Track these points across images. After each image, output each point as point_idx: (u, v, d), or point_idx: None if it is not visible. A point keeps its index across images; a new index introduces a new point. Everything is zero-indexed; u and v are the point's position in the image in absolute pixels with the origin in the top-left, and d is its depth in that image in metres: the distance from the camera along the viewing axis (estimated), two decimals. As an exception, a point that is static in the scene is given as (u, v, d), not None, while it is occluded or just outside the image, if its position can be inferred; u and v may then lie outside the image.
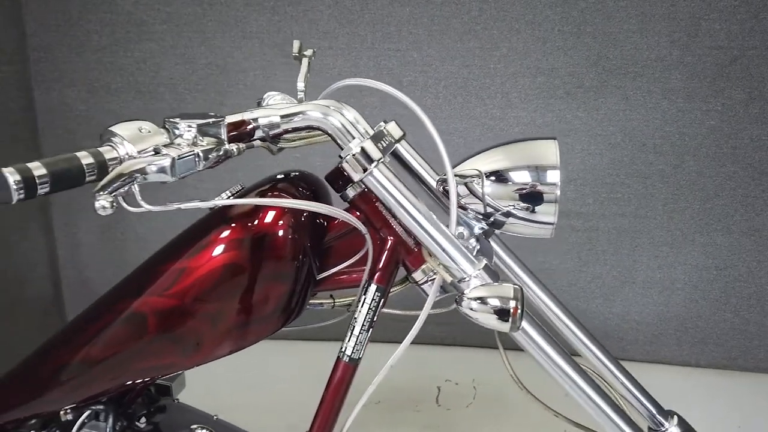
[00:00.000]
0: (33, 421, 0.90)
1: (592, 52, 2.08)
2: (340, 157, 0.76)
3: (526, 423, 2.00)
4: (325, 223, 0.87)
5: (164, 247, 0.88)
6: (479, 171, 0.81)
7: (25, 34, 2.28)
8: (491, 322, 0.70)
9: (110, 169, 0.64)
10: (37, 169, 0.58)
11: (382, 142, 0.76)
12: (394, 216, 0.79)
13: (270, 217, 0.78)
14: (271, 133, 0.80)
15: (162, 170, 0.66)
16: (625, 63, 2.07)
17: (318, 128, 0.78)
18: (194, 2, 2.19)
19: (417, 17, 2.13)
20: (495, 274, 0.75)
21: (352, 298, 0.91)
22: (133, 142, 0.66)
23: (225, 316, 0.78)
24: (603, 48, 2.07)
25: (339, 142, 0.77)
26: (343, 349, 0.85)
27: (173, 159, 0.66)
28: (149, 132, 0.67)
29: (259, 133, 0.79)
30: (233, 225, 0.78)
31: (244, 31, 2.21)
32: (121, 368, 0.81)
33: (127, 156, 0.65)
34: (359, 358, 0.86)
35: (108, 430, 0.85)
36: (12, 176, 0.57)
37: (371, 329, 0.85)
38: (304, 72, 0.99)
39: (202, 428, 0.89)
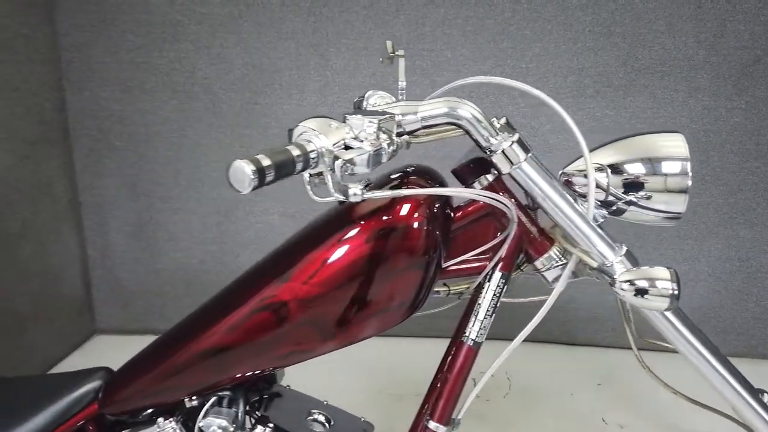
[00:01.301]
0: (151, 410, 0.93)
1: (621, 52, 2.15)
2: (489, 151, 0.79)
3: (562, 412, 2.07)
4: (452, 214, 0.90)
5: (297, 237, 0.91)
6: (601, 164, 0.86)
7: (57, 33, 2.29)
8: (651, 303, 0.74)
9: (312, 160, 0.67)
10: (264, 160, 0.62)
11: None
12: (537, 205, 0.82)
13: (406, 209, 0.82)
14: (411, 128, 0.83)
15: (366, 162, 0.69)
16: (653, 63, 2.15)
17: (456, 124, 0.82)
18: (230, 3, 2.22)
19: (451, 18, 2.18)
20: (635, 258, 0.81)
21: (465, 286, 0.95)
22: (326, 136, 0.69)
23: (365, 304, 0.81)
24: (632, 48, 2.14)
25: (476, 137, 0.81)
26: (466, 333, 0.89)
27: (371, 152, 0.69)
28: (336, 127, 0.71)
29: (405, 128, 0.82)
30: (373, 217, 0.81)
31: (280, 31, 2.24)
32: (258, 355, 0.84)
33: (324, 149, 0.68)
34: (482, 342, 0.90)
35: (233, 416, 0.89)
36: (248, 166, 0.61)
37: (494, 315, 0.90)
38: (402, 71, 1.03)
39: (320, 413, 0.93)
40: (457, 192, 0.84)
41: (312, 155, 0.67)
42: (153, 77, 2.31)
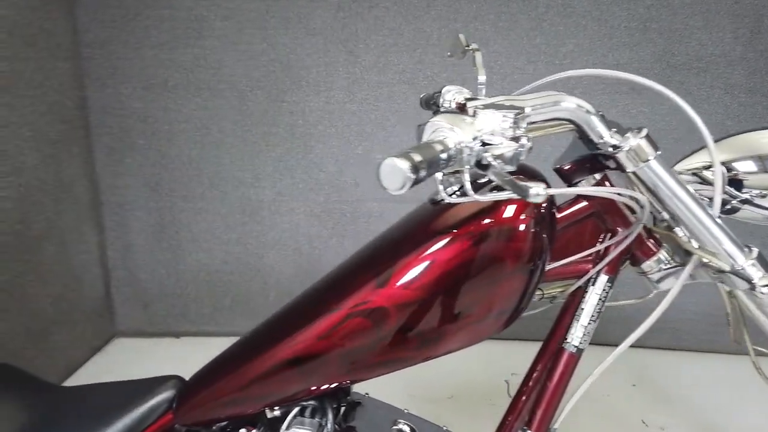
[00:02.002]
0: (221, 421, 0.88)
1: (657, 48, 2.12)
2: (614, 147, 0.74)
3: (600, 414, 2.04)
4: (556, 215, 0.85)
5: (388, 239, 0.85)
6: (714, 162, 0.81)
7: (78, 29, 2.23)
8: None
9: (453, 157, 0.62)
10: (415, 156, 0.58)
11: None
12: (664, 206, 0.77)
13: (512, 210, 0.77)
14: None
15: (513, 158, 0.64)
16: (689, 59, 2.12)
17: (569, 120, 0.77)
18: (257, -2, 2.17)
19: (484, 13, 2.14)
20: (766, 261, 0.77)
21: (559, 290, 0.91)
22: (462, 131, 0.64)
23: (468, 311, 0.77)
24: (668, 44, 2.11)
25: (590, 134, 0.77)
26: (568, 339, 0.85)
27: (519, 147, 0.64)
28: (470, 122, 0.66)
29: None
30: (478, 219, 0.76)
31: (308, 27, 2.19)
32: (349, 364, 0.79)
33: (463, 145, 0.63)
34: (584, 349, 0.86)
35: (317, 426, 0.84)
36: (404, 163, 0.56)
37: (598, 320, 0.86)
38: (480, 65, 0.98)
39: (405, 423, 0.89)
40: (597, 192, 0.78)
41: (452, 152, 0.62)
42: (177, 74, 2.26)
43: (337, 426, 0.87)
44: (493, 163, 0.63)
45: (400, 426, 0.89)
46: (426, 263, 0.76)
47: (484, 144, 0.64)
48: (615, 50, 2.13)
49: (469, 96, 1.02)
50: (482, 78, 0.97)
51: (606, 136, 0.75)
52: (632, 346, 0.84)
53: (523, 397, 0.90)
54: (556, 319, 0.90)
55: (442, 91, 1.00)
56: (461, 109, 0.96)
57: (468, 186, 0.66)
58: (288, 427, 0.84)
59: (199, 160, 2.35)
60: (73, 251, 2.24)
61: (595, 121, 0.75)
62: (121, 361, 2.40)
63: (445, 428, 0.93)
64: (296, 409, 0.86)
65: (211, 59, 2.24)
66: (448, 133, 0.63)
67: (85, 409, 0.90)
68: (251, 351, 0.86)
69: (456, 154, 0.62)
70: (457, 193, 0.71)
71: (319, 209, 2.38)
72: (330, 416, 0.86)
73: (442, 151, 0.61)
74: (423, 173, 0.58)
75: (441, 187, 0.67)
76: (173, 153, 2.35)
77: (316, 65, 2.23)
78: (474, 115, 0.66)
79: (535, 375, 0.89)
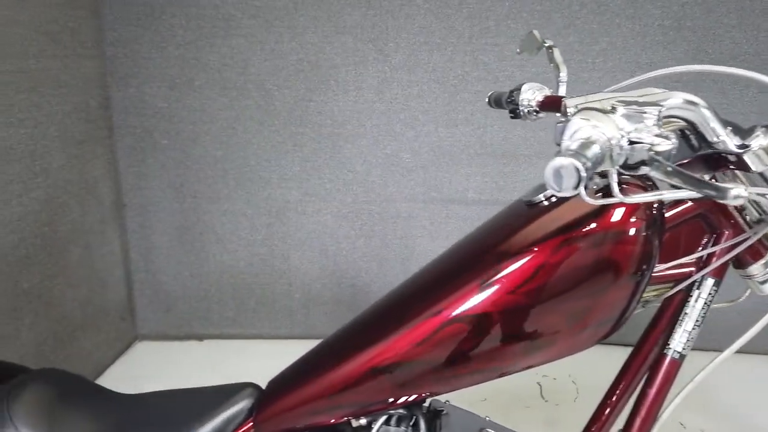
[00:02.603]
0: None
1: (691, 46, 2.10)
2: (742, 147, 0.70)
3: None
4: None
5: (484, 242, 0.81)
6: None
7: (102, 27, 2.19)
8: None
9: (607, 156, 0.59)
10: (586, 154, 0.55)
11: None
12: None
13: (622, 213, 0.73)
14: None
15: (669, 156, 0.61)
16: (724, 57, 2.10)
17: (683, 118, 0.74)
18: (286, -4, 2.14)
19: (516, 11, 2.11)
20: None
21: (654, 293, 0.88)
22: (608, 127, 0.60)
23: (575, 319, 0.74)
24: (702, 42, 2.09)
25: (705, 132, 0.73)
26: (670, 346, 0.82)
27: (674, 145, 0.60)
28: (611, 120, 0.62)
29: None
30: (586, 223, 0.73)
31: (337, 25, 2.16)
32: (444, 372, 0.76)
33: (613, 143, 0.60)
34: (686, 355, 0.84)
35: None
36: (576, 162, 0.53)
37: (702, 324, 0.83)
38: (560, 61, 0.96)
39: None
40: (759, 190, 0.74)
41: (606, 150, 0.59)
42: (203, 74, 2.22)
43: None
44: (662, 161, 0.60)
45: (489, 434, 0.86)
46: (534, 268, 0.73)
47: (631, 143, 0.61)
48: (648, 48, 2.11)
49: (549, 93, 0.99)
50: (564, 74, 0.94)
51: (723, 135, 0.72)
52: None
53: (611, 404, 0.87)
54: (650, 324, 0.87)
55: (522, 89, 0.97)
56: (552, 106, 0.93)
57: (615, 187, 0.62)
58: (378, 436, 0.81)
59: (225, 160, 2.31)
60: (97, 254, 2.20)
61: (713, 119, 0.72)
62: (146, 365, 2.36)
63: (528, 437, 0.90)
64: (383, 418, 0.83)
65: (238, 58, 2.21)
66: (593, 131, 0.60)
67: (161, 418, 0.86)
68: (335, 357, 0.82)
69: (606, 153, 0.59)
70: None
71: (346, 210, 2.35)
72: (422, 425, 0.82)
73: (601, 150, 0.58)
74: (590, 173, 0.55)
75: (583, 188, 0.62)
76: (198, 153, 2.31)
77: (344, 64, 2.20)
78: (613, 112, 0.63)
79: (626, 382, 0.86)
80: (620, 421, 0.94)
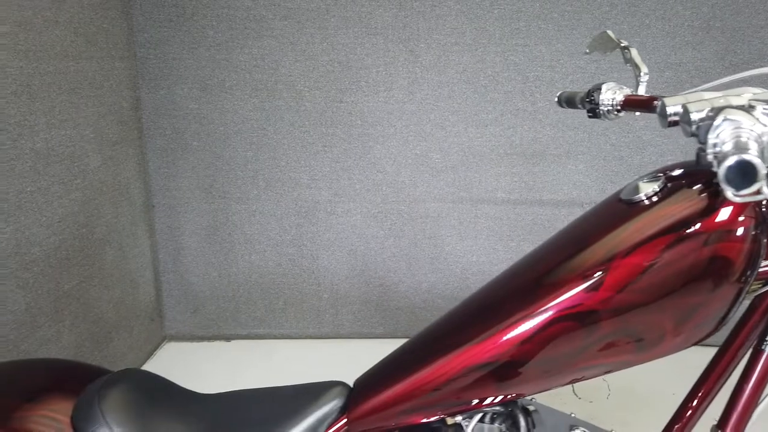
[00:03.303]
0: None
1: (719, 46, 2.12)
2: None
3: (669, 413, 2.03)
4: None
5: (581, 240, 0.82)
6: None
7: (133, 29, 2.20)
8: None
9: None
10: (755, 153, 0.56)
11: None
12: None
13: (729, 212, 0.74)
14: None
15: None
16: (752, 57, 2.12)
17: None
18: (317, -3, 2.15)
19: (547, 12, 2.13)
20: None
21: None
22: (757, 125, 0.61)
23: (681, 319, 0.75)
24: (731, 43, 2.11)
25: None
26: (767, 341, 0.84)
27: None
28: (756, 119, 0.63)
29: None
30: (694, 221, 0.73)
31: (369, 27, 2.17)
32: (547, 370, 0.77)
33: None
34: None
35: None
36: (758, 160, 0.54)
37: None
38: (639, 60, 0.97)
39: (582, 429, 0.87)
40: None
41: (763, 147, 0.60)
42: (234, 75, 2.23)
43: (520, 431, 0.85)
44: None
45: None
46: (644, 266, 0.74)
47: None
48: (678, 49, 2.13)
49: (630, 93, 1.00)
50: (644, 73, 0.96)
51: None
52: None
53: (697, 402, 0.88)
54: (739, 321, 0.88)
55: (602, 89, 0.98)
56: (639, 105, 0.94)
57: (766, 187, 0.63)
58: (472, 434, 0.82)
59: (255, 161, 2.32)
60: (129, 255, 2.21)
61: None
62: (176, 365, 2.36)
63: (612, 431, 0.92)
64: (479, 416, 0.84)
65: (269, 59, 2.21)
66: (748, 130, 0.61)
67: (254, 417, 0.87)
68: (429, 356, 0.83)
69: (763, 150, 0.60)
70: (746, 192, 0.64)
71: (375, 210, 2.36)
72: (522, 423, 0.83)
73: (760, 148, 0.59)
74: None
75: (728, 186, 0.62)
76: (228, 155, 2.31)
77: (375, 65, 2.21)
78: (752, 110, 0.64)
79: (713, 379, 0.88)
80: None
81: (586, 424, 0.90)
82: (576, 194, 2.30)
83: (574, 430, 0.87)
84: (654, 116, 0.79)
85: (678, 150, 2.20)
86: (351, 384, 0.93)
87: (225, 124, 2.28)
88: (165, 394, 0.93)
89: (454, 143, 2.28)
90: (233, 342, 2.54)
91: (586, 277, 0.75)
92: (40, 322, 1.65)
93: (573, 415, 0.92)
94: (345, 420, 0.86)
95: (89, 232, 1.93)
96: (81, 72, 1.87)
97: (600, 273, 0.75)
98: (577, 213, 2.44)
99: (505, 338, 0.78)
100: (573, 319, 0.75)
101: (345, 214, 2.37)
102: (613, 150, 2.25)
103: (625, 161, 2.25)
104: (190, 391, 0.96)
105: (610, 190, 2.29)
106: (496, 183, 2.31)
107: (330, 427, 0.86)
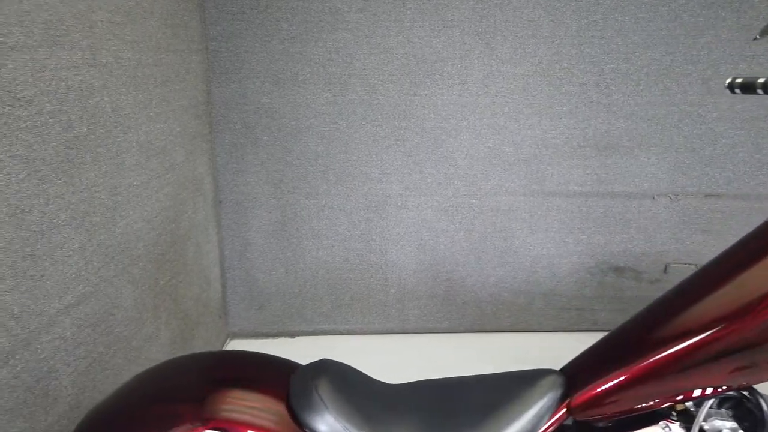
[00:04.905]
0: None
1: (793, 38, 2.14)
2: None
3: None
4: None
5: None
6: None
7: (206, 22, 2.16)
8: None
9: None
10: None
11: None
12: None
13: None
14: None
15: None
16: (825, 49, 2.15)
17: None
18: (394, -11, 2.13)
19: (625, 4, 2.14)
20: None
21: None
22: None
23: None
24: (804, 35, 2.14)
25: None
26: None
27: None
28: None
29: None
30: None
31: (445, 19, 2.17)
32: None
33: None
34: None
35: (735, 418, 0.82)
36: None
37: None
38: None
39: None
40: None
41: None
42: (307, 68, 2.21)
43: (756, 419, 0.84)
44: None
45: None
46: None
47: None
48: (752, 42, 2.15)
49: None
50: None
51: None
52: None
53: None
54: None
55: None
56: None
57: None
58: (707, 419, 0.82)
59: (326, 155, 2.30)
60: (203, 251, 2.18)
61: None
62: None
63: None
64: (711, 401, 0.84)
65: (344, 52, 2.20)
66: None
67: (475, 402, 0.86)
68: (653, 343, 0.83)
69: None
70: None
71: (447, 204, 2.35)
72: (765, 406, 0.83)
73: None
74: None
75: None
76: (298, 149, 2.29)
77: (451, 58, 2.20)
78: None
79: None
80: None
81: None
82: (647, 186, 2.31)
83: None
84: (728, 107, 0.79)
85: (749, 142, 2.23)
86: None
87: (296, 118, 2.26)
88: (366, 383, 0.92)
89: (528, 136, 2.28)
90: (297, 338, 2.53)
91: None
92: (144, 319, 1.63)
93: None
94: (565, 409, 0.86)
95: (176, 227, 1.90)
96: (170, 64, 1.84)
97: None
98: (648, 205, 2.47)
99: (751, 323, 0.78)
100: None
101: (416, 208, 2.36)
102: (685, 142, 2.27)
103: (698, 153, 2.27)
104: (381, 381, 0.96)
105: (681, 182, 2.34)
106: (569, 175, 2.31)
107: (554, 413, 0.86)
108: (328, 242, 2.41)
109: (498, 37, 2.18)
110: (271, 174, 2.32)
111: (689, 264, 2.38)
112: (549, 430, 0.84)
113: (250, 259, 2.43)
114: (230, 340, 2.50)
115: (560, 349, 2.42)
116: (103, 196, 1.39)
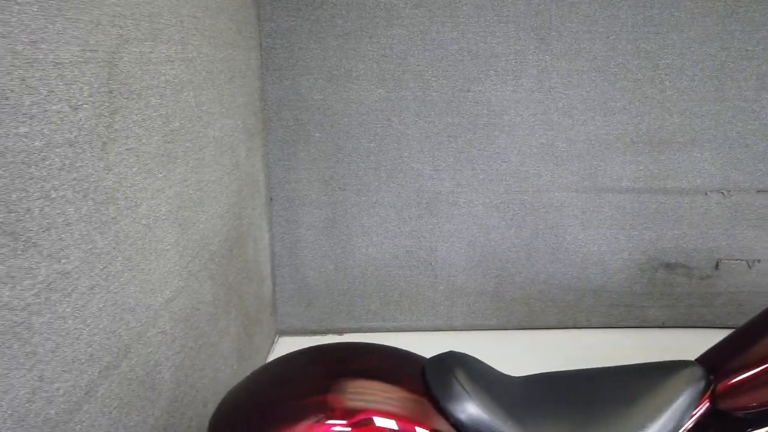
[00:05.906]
0: None
1: None
2: None
3: None
4: None
5: None
6: None
7: (260, 18, 2.16)
8: None
9: None
10: None
11: None
12: None
13: None
14: None
15: None
16: None
17: None
18: (450, -15, 2.13)
19: (680, 0, 2.14)
20: None
21: None
22: None
23: None
24: None
25: None
26: None
27: None
28: None
29: None
30: None
31: (500, 14, 2.16)
32: None
33: None
34: None
35: None
36: None
37: None
38: None
39: None
40: None
41: None
42: (361, 65, 2.21)
43: None
44: None
45: None
46: None
47: None
48: (808, 36, 2.15)
49: None
50: None
51: None
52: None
53: None
54: None
55: None
56: None
57: None
58: None
59: (378, 152, 2.30)
60: (259, 248, 2.17)
61: None
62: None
63: None
64: None
65: (398, 49, 2.19)
66: None
67: (619, 393, 0.86)
68: None
69: None
70: None
71: (498, 200, 2.35)
72: None
73: None
74: None
75: None
76: (350, 146, 2.29)
77: (505, 53, 2.20)
78: None
79: None
80: None
81: None
82: (700, 182, 2.31)
83: None
84: None
85: (803, 136, 2.23)
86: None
87: (349, 115, 2.26)
88: (496, 374, 0.92)
89: (581, 132, 2.28)
90: (345, 336, 2.52)
91: None
92: (219, 314, 1.62)
93: None
94: (708, 402, 0.86)
95: (240, 224, 1.90)
96: (234, 60, 1.84)
97: None
98: (700, 201, 2.49)
99: None
100: None
101: (467, 205, 2.36)
102: (738, 137, 2.26)
103: (751, 149, 2.27)
104: (504, 373, 0.95)
105: (734, 178, 2.36)
106: (621, 171, 2.31)
107: (697, 405, 0.85)
108: (377, 239, 2.40)
109: (553, 33, 2.18)
110: (322, 171, 2.32)
111: (741, 260, 2.38)
112: (693, 420, 0.84)
113: (299, 256, 2.42)
114: (279, 337, 2.50)
115: (609, 346, 2.42)
116: (190, 191, 1.38)
